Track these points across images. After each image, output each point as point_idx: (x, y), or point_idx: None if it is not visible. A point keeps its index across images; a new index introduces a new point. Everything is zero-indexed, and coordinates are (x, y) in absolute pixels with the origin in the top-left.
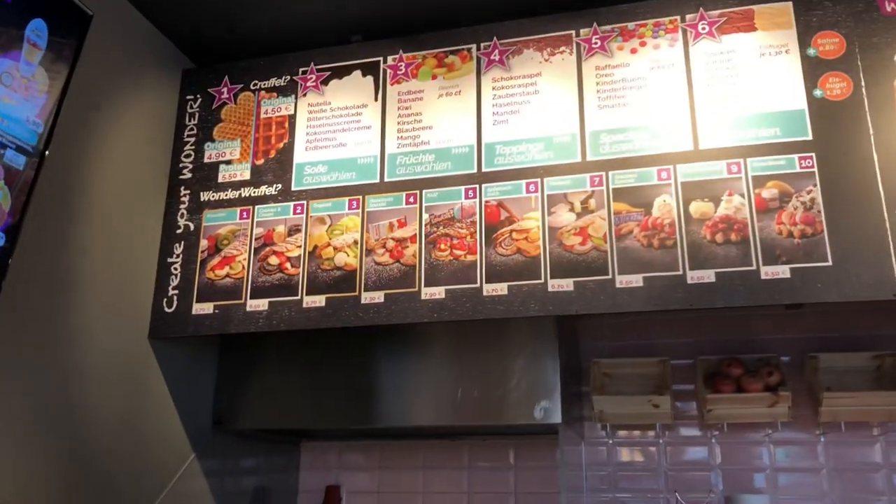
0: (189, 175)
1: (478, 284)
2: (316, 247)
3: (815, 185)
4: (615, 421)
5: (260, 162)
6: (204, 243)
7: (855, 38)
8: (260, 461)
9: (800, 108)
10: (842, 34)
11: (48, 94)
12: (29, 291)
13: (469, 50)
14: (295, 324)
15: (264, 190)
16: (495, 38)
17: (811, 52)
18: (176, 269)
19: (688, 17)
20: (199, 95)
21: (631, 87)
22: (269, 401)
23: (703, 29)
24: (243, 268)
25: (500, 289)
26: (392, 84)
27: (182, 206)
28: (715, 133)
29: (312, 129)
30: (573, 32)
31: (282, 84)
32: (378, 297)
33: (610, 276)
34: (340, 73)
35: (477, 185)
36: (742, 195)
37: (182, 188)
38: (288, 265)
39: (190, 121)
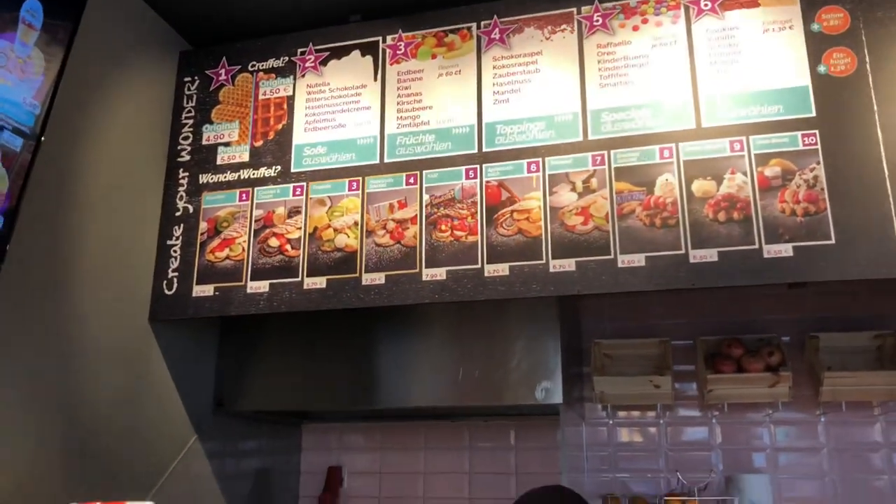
0: (187, 157)
1: (479, 265)
2: (316, 228)
3: (818, 163)
4: (616, 401)
5: (259, 143)
6: (203, 225)
7: (859, 12)
8: (262, 443)
9: (803, 84)
10: (846, 9)
11: (44, 75)
12: (28, 275)
13: (469, 29)
14: (296, 305)
15: (263, 171)
16: (495, 17)
17: (815, 27)
18: (175, 251)
19: None
20: (196, 77)
21: (633, 65)
22: (271, 382)
23: (706, 5)
24: (243, 250)
25: (502, 269)
26: (391, 64)
27: (181, 189)
28: (717, 111)
29: (311, 110)
30: (574, 10)
31: (280, 65)
32: (379, 278)
33: (612, 256)
34: (339, 53)
35: (478, 166)
36: (745, 173)
37: (181, 170)
38: (288, 247)
39: (188, 103)
